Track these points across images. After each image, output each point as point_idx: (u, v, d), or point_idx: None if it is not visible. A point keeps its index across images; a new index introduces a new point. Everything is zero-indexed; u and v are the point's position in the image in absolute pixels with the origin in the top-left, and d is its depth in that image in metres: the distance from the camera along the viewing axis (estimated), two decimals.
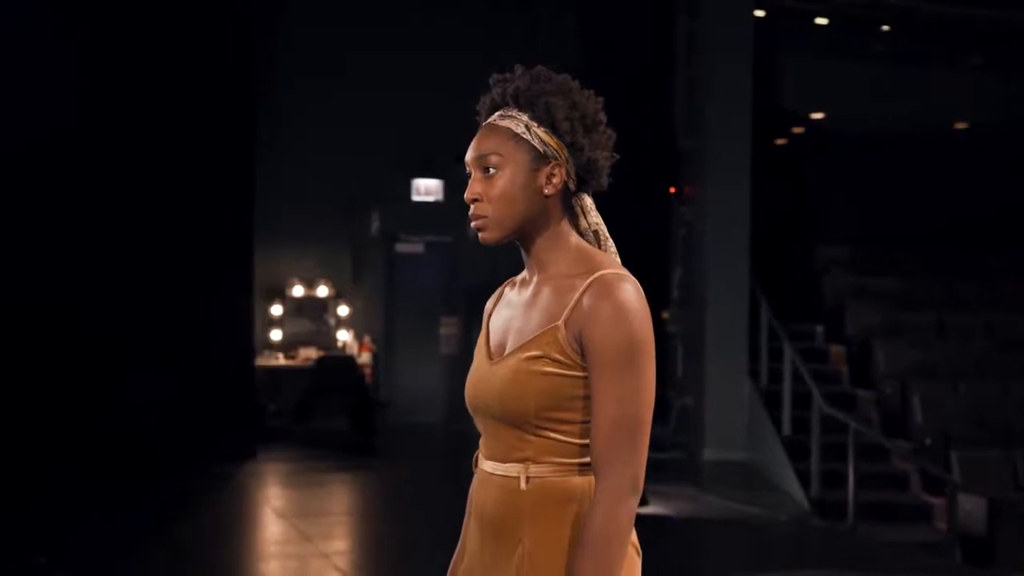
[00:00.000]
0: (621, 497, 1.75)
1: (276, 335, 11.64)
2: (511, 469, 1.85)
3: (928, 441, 8.56)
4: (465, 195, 1.92)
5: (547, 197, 1.89)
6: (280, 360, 11.43)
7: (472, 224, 1.92)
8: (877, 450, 8.36)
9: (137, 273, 9.00)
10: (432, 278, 12.18)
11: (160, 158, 9.13)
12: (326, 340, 11.76)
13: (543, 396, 1.80)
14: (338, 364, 11.03)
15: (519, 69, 1.95)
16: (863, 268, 11.29)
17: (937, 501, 8.09)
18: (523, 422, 1.82)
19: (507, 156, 1.87)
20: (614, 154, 1.93)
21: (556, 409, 1.80)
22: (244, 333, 9.91)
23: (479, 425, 1.95)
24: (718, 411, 9.06)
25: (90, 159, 8.86)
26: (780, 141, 12.39)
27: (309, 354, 11.40)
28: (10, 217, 8.44)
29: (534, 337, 1.84)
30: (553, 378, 1.80)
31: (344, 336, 11.84)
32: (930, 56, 12.08)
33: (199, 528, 7.30)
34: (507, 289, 2.04)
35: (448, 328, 12.21)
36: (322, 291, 11.82)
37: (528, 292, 1.93)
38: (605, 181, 1.94)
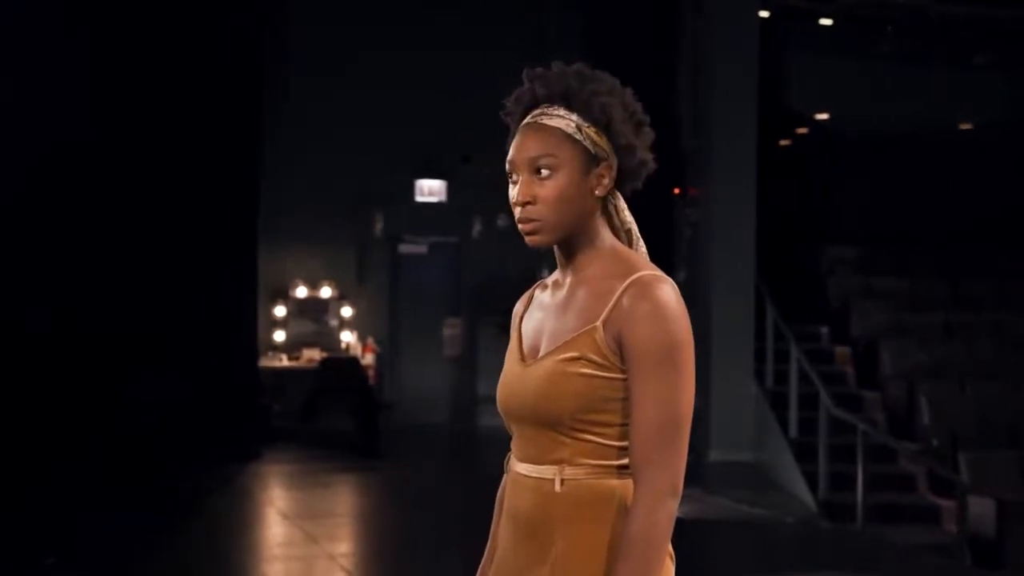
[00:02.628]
0: (661, 500, 1.73)
1: (280, 336, 11.62)
2: (546, 471, 1.82)
3: (935, 442, 8.52)
4: (516, 197, 1.86)
5: (595, 198, 1.87)
6: (284, 361, 11.41)
7: (523, 227, 1.86)
8: (883, 451, 8.32)
9: (142, 274, 8.98)
10: (436, 279, 12.15)
11: (165, 159, 9.11)
12: (329, 341, 11.73)
13: (580, 398, 1.78)
14: (342, 365, 11.00)
15: (557, 65, 1.90)
16: (869, 268, 11.26)
17: (945, 503, 8.05)
18: (559, 425, 1.80)
19: (560, 157, 1.83)
20: (654, 154, 1.91)
21: (593, 411, 1.78)
22: (248, 334, 9.89)
23: (511, 427, 1.92)
24: (724, 412, 9.03)
25: (95, 160, 8.84)
26: (785, 141, 12.36)
27: (313, 355, 11.38)
28: (15, 218, 8.42)
29: (571, 339, 1.81)
30: (590, 380, 1.78)
31: (348, 337, 11.81)
32: (935, 56, 12.06)
33: (205, 529, 7.28)
34: (538, 291, 2.00)
35: (452, 329, 12.17)
36: (325, 292, 11.79)
37: (562, 294, 1.90)
38: (642, 182, 1.92)
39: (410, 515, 8.07)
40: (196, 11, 9.17)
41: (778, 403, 9.01)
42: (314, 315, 11.82)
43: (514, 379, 1.89)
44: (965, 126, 12.73)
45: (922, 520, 8.09)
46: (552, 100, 1.87)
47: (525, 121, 1.89)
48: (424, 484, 9.26)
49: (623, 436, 1.78)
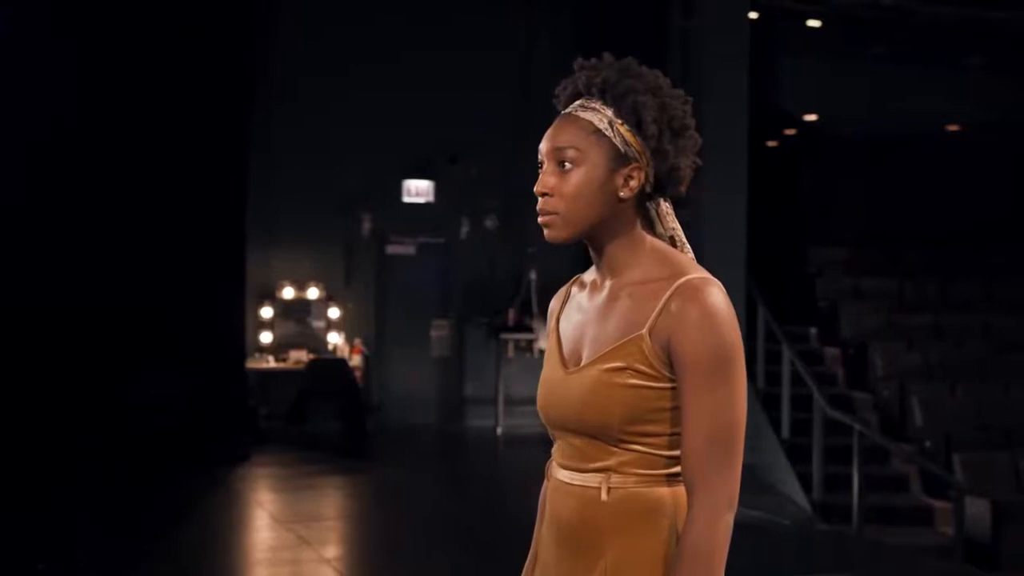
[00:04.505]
0: (719, 514, 1.67)
1: (266, 338, 11.52)
2: (591, 479, 1.76)
3: (928, 444, 8.52)
4: (535, 187, 1.80)
5: (621, 200, 1.78)
6: (271, 363, 11.31)
7: (540, 219, 1.80)
8: (876, 452, 8.32)
9: (129, 276, 8.87)
10: (423, 280, 12.08)
11: (153, 160, 9.01)
12: (317, 343, 11.65)
13: (627, 409, 1.71)
14: (329, 367, 10.92)
15: (608, 57, 1.83)
16: (858, 269, 11.28)
17: (938, 504, 8.05)
18: (604, 435, 1.73)
19: (586, 151, 1.77)
20: (697, 160, 1.82)
21: (641, 422, 1.71)
22: (236, 336, 9.79)
23: (553, 434, 1.86)
24: None
25: (83, 160, 8.74)
26: (774, 142, 12.37)
27: (300, 357, 11.29)
28: (1, 219, 8.31)
29: (616, 347, 1.74)
30: (638, 390, 1.71)
31: (335, 338, 11.73)
32: (924, 57, 12.10)
33: (194, 532, 7.19)
34: (574, 289, 1.94)
35: (440, 330, 12.11)
36: (313, 293, 11.71)
37: (602, 297, 1.82)
38: (686, 188, 1.83)
39: (399, 517, 8.01)
40: (186, 11, 9.08)
41: (770, 404, 8.99)
42: (301, 316, 11.73)
43: (556, 386, 1.82)
44: (954, 128, 12.77)
45: (915, 521, 8.09)
46: (592, 92, 1.80)
47: (563, 111, 1.84)
48: (412, 486, 9.19)
49: (672, 445, 1.72)
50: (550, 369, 1.86)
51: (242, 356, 10.07)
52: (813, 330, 10.39)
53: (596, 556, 1.74)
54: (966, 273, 11.37)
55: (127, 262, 8.89)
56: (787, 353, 8.80)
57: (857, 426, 7.60)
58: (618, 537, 1.73)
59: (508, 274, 12.05)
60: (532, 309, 11.87)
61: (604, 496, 1.74)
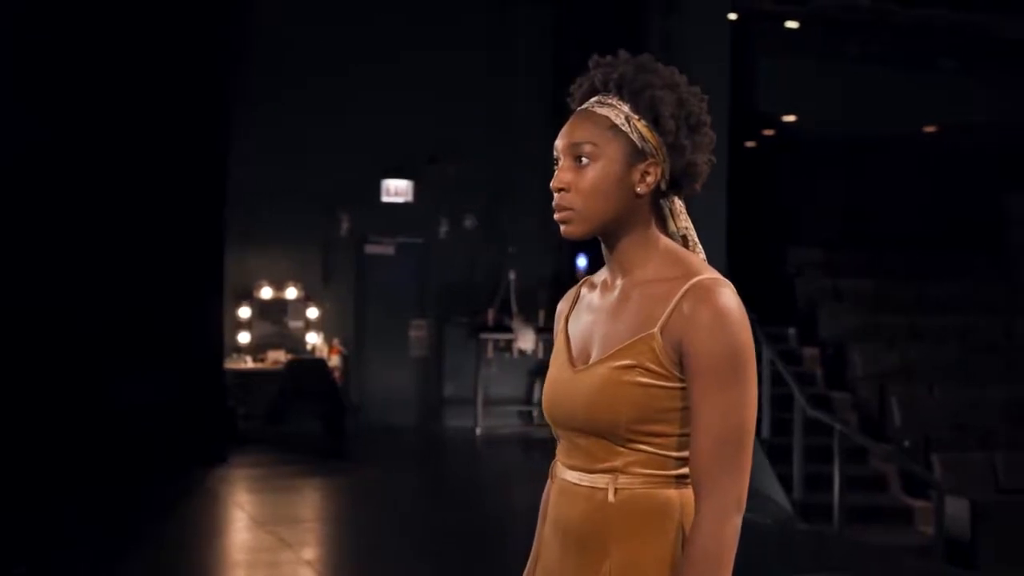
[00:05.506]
0: (727, 516, 1.65)
1: (244, 338, 11.46)
2: (598, 480, 1.74)
3: (907, 443, 8.56)
4: (551, 183, 1.79)
5: (638, 196, 1.77)
6: (249, 363, 11.25)
7: (556, 216, 1.79)
8: (855, 453, 8.35)
9: (106, 276, 8.80)
10: (402, 280, 12.04)
11: (130, 160, 8.94)
12: (295, 343, 11.59)
13: (635, 408, 1.69)
14: (309, 367, 10.87)
15: (623, 54, 1.81)
16: (836, 270, 11.32)
17: (918, 503, 8.09)
18: (613, 434, 1.71)
19: (602, 147, 1.75)
20: (712, 158, 1.82)
21: (650, 421, 1.70)
22: (214, 336, 9.72)
23: (558, 434, 1.84)
24: None
25: (61, 160, 8.67)
26: (752, 143, 12.40)
27: (278, 357, 11.23)
28: None
29: (626, 345, 1.72)
30: (648, 389, 1.69)
31: (313, 339, 11.68)
32: (901, 59, 12.16)
33: (174, 534, 7.14)
34: (584, 290, 1.91)
35: (418, 330, 12.09)
36: (291, 293, 11.65)
37: (613, 296, 1.80)
38: (700, 186, 1.82)
39: (378, 518, 7.98)
40: (162, 11, 9.01)
41: None
42: (279, 316, 11.67)
43: (563, 385, 1.81)
44: (931, 129, 12.85)
45: (895, 521, 8.13)
46: (608, 88, 1.79)
47: (578, 108, 1.82)
48: (392, 487, 9.16)
49: (681, 446, 1.70)
50: (557, 369, 1.84)
51: (220, 356, 10.00)
52: (792, 330, 10.42)
53: (601, 558, 1.72)
54: (943, 274, 11.45)
55: (104, 262, 8.81)
56: (767, 353, 8.81)
57: (838, 426, 7.62)
58: (624, 539, 1.71)
59: (487, 274, 12.04)
60: (511, 309, 11.86)
61: (611, 497, 1.72)
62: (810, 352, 10.19)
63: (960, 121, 12.38)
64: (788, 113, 12.48)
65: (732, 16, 10.23)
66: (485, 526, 7.61)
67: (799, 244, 11.61)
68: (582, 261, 10.48)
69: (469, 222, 12.14)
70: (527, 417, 12.27)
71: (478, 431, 11.70)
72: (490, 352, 11.93)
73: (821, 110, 12.17)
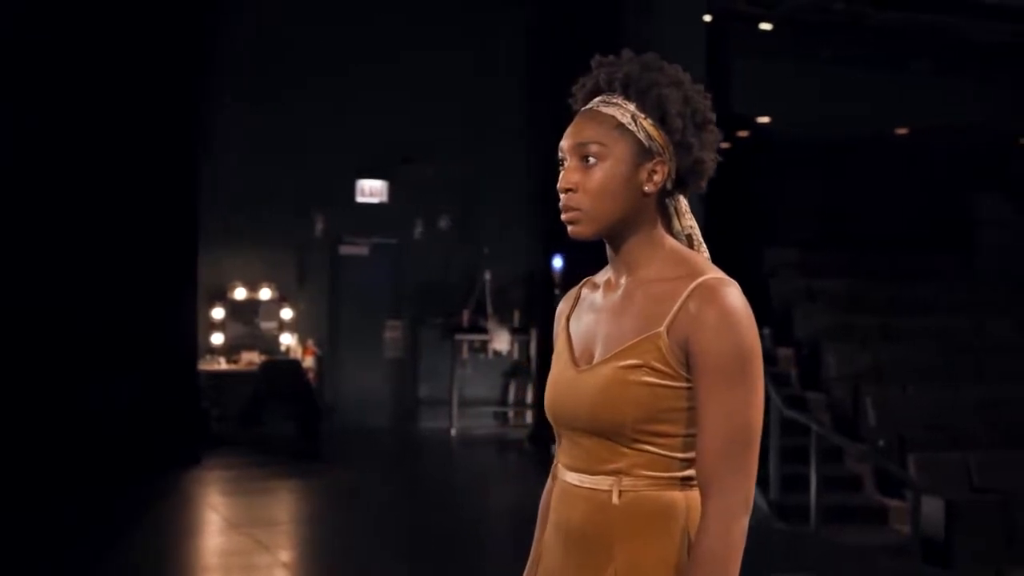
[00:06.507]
0: (735, 517, 1.64)
1: (218, 339, 11.37)
2: (601, 482, 1.72)
3: (881, 443, 8.60)
4: (559, 184, 1.78)
5: (645, 195, 1.76)
6: (222, 365, 11.16)
7: (563, 216, 1.78)
8: (830, 452, 8.37)
9: (78, 277, 8.71)
10: (377, 280, 11.98)
11: (102, 160, 8.85)
12: (269, 344, 11.52)
13: (640, 408, 1.68)
14: (283, 369, 10.81)
15: (627, 53, 1.81)
16: (811, 271, 11.37)
17: (892, 503, 8.13)
18: (617, 435, 1.70)
19: (609, 146, 1.74)
20: (719, 156, 1.81)
21: (655, 422, 1.69)
22: (187, 337, 9.64)
23: (560, 435, 1.82)
24: None
25: (32, 160, 8.58)
26: (728, 145, 12.42)
27: (252, 358, 11.15)
28: None
29: (631, 344, 1.71)
30: (653, 389, 1.68)
31: (288, 340, 11.61)
32: (875, 61, 12.23)
33: (147, 538, 7.07)
34: (585, 291, 1.90)
35: (393, 331, 12.04)
36: (265, 294, 11.57)
37: (617, 295, 1.79)
38: (705, 184, 1.82)
39: (353, 520, 7.95)
40: (133, 9, 8.93)
41: None
42: (244, 318, 11.59)
43: (566, 385, 1.79)
44: (903, 131, 12.93)
45: (870, 520, 8.16)
46: (613, 88, 1.78)
47: (582, 108, 1.81)
48: (367, 488, 9.13)
49: (686, 447, 1.69)
50: (559, 370, 1.83)
51: (194, 358, 9.92)
52: (767, 330, 10.44)
53: (605, 561, 1.71)
54: (917, 274, 11.52)
55: (77, 263, 8.72)
56: None
57: (815, 426, 7.65)
58: (628, 541, 1.70)
59: (462, 275, 12.01)
60: (486, 310, 11.84)
61: (615, 499, 1.70)
62: (784, 352, 10.22)
63: (933, 123, 12.47)
64: (763, 114, 12.53)
65: (707, 18, 10.25)
66: (461, 527, 7.59)
67: (774, 245, 11.65)
68: (558, 262, 10.46)
69: (444, 223, 12.11)
70: (502, 418, 12.25)
71: (453, 432, 11.67)
72: (465, 353, 11.91)
73: (795, 112, 12.23)
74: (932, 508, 7.02)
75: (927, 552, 6.97)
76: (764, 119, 12.54)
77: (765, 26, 12.05)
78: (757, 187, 12.28)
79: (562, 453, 1.82)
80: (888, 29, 11.81)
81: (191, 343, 9.75)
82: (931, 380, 9.63)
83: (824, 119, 12.05)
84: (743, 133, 12.62)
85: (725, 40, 11.34)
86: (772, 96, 12.13)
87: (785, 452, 8.06)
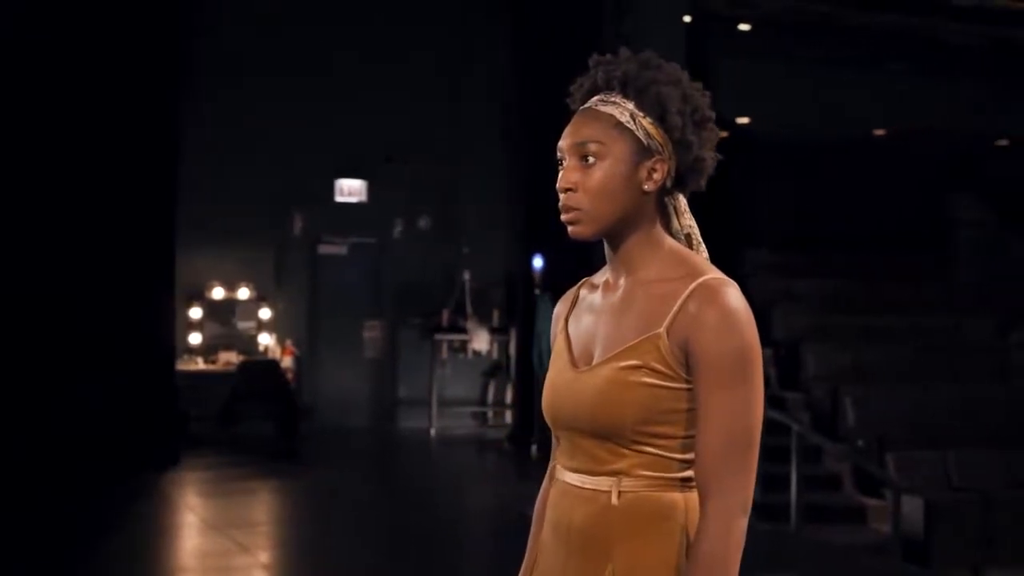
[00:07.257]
0: (734, 518, 1.64)
1: (195, 339, 11.30)
2: (601, 483, 1.71)
3: (860, 443, 8.64)
4: (558, 183, 1.76)
5: (645, 194, 1.75)
6: (200, 365, 11.10)
7: (564, 217, 1.76)
8: (810, 452, 8.40)
9: (55, 276, 8.63)
10: (356, 280, 11.95)
11: (79, 158, 8.77)
12: (247, 344, 11.46)
13: (641, 409, 1.67)
14: (261, 369, 10.75)
15: (625, 52, 1.79)
16: (789, 271, 11.40)
17: (872, 502, 8.16)
18: (616, 436, 1.69)
19: (609, 145, 1.73)
20: (718, 154, 1.80)
21: (655, 423, 1.68)
22: (165, 337, 9.57)
23: (559, 436, 1.81)
24: None
25: (6, 158, 8.49)
26: None
27: (230, 358, 11.09)
28: None
29: (631, 345, 1.70)
30: (653, 389, 1.67)
31: (266, 339, 11.55)
32: (853, 62, 12.28)
33: (125, 540, 7.02)
34: (584, 291, 1.89)
35: (372, 331, 12.01)
36: (243, 293, 11.51)
37: (616, 296, 1.78)
38: (705, 182, 1.81)
39: (332, 520, 7.93)
40: (112, 9, 8.86)
41: None
42: (231, 317, 11.53)
43: (565, 386, 1.77)
44: (880, 132, 12.99)
45: (849, 519, 8.20)
46: (611, 86, 1.76)
47: (581, 107, 1.80)
48: (346, 488, 9.10)
49: (686, 448, 1.69)
50: (558, 371, 1.81)
51: (171, 358, 9.84)
52: None
53: (604, 562, 1.70)
54: (894, 275, 11.58)
55: (52, 262, 8.65)
56: None
57: (794, 426, 7.67)
58: (628, 542, 1.69)
59: (442, 275, 11.99)
60: (466, 310, 11.82)
61: (615, 500, 1.70)
62: (763, 352, 10.25)
63: (910, 124, 12.54)
64: (741, 115, 12.56)
65: (687, 18, 10.27)
66: (440, 527, 7.59)
67: (753, 245, 11.67)
68: (537, 262, 10.45)
69: (423, 222, 12.09)
70: (481, 418, 12.24)
71: (432, 432, 11.65)
72: (444, 353, 11.89)
73: (774, 113, 12.26)
74: (911, 507, 7.06)
75: (906, 551, 7.00)
76: (743, 120, 12.57)
77: (744, 27, 12.09)
78: (736, 188, 12.31)
79: (561, 454, 1.81)
80: (866, 31, 11.87)
81: (168, 343, 9.68)
82: (909, 380, 9.68)
83: (802, 120, 12.09)
84: (722, 134, 12.63)
85: (705, 41, 11.36)
86: (751, 97, 12.15)
87: (765, 452, 8.04)
